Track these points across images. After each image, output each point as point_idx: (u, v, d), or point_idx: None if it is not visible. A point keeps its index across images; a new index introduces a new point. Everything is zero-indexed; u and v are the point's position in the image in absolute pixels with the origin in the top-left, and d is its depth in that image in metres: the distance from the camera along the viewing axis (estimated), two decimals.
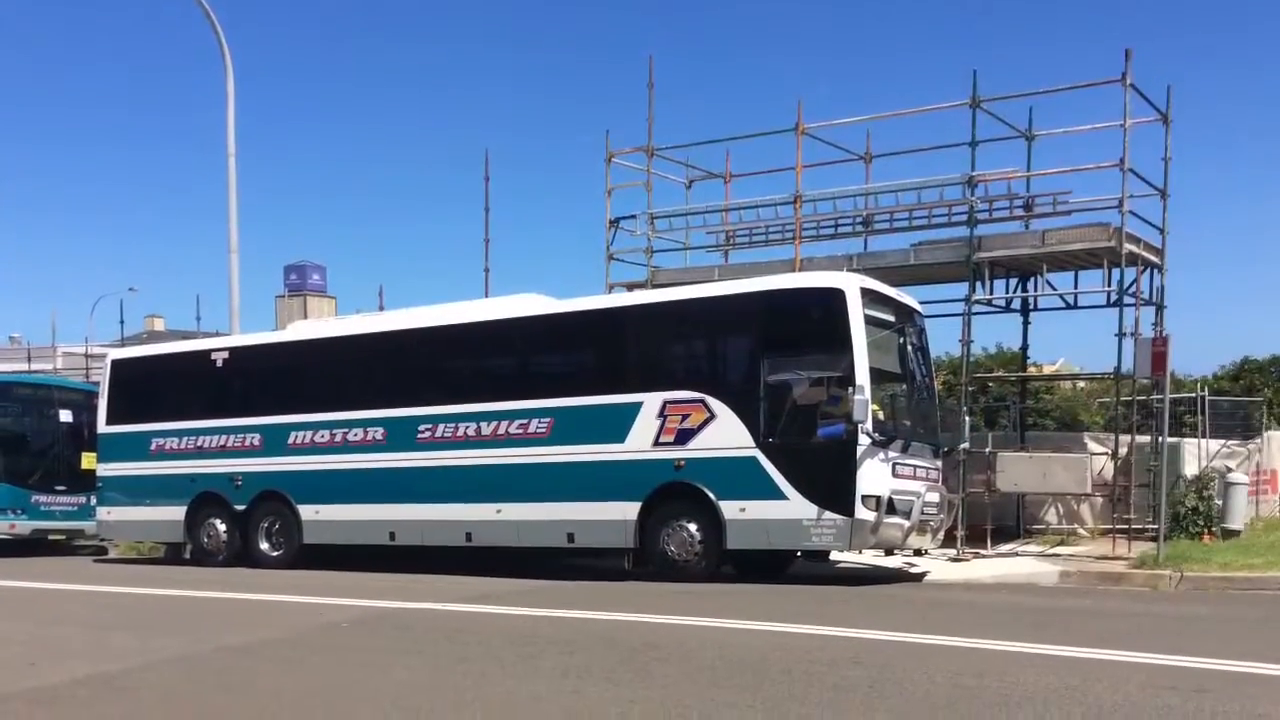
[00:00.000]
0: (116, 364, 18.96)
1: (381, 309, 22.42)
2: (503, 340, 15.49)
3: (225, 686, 7.41)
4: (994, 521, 16.74)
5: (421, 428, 15.43)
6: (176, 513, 17.34)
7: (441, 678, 7.41)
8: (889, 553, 14.64)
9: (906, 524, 13.10)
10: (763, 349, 13.38)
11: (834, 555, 14.84)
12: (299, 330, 18.36)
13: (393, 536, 15.65)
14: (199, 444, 17.33)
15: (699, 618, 9.62)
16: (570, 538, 14.30)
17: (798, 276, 15.94)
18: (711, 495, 13.22)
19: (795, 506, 12.79)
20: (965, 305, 17.37)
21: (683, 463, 13.47)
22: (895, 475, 13.00)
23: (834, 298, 12.99)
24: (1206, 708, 6.01)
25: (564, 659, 7.83)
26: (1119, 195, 16.28)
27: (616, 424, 13.90)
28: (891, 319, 13.69)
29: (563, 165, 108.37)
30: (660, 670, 7.32)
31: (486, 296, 18.56)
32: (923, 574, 14.46)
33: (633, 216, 20.07)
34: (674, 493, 13.55)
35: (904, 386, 14.06)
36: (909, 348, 14.07)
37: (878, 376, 13.01)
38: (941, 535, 14.47)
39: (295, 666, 8.08)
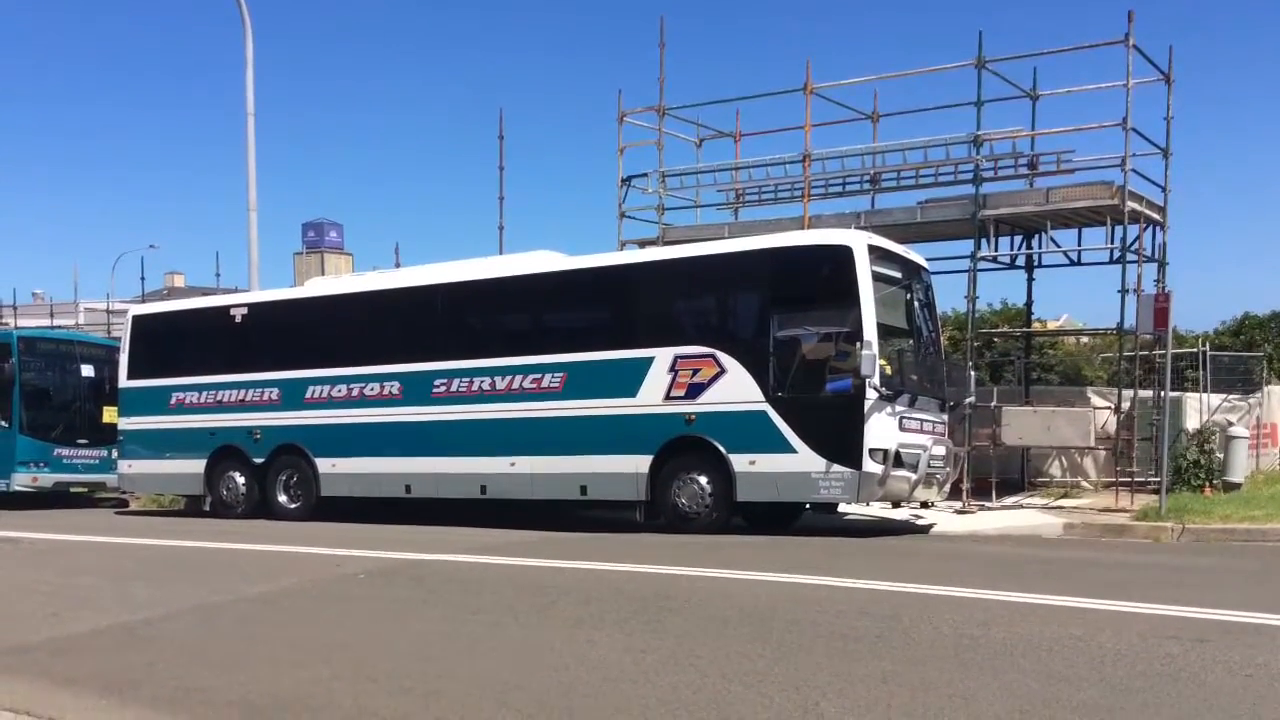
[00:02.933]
0: (138, 319, 19.18)
1: (398, 266, 22.51)
2: (517, 296, 15.64)
3: (245, 636, 7.62)
4: (998, 475, 16.96)
5: (437, 382, 15.62)
6: (196, 466, 17.61)
7: (456, 627, 7.60)
8: (895, 505, 14.83)
9: (913, 477, 13.27)
10: (772, 305, 13.50)
11: (842, 508, 15.06)
12: (317, 286, 18.49)
13: (408, 489, 15.90)
14: (218, 398, 17.55)
15: (710, 569, 9.79)
16: (583, 490, 14.53)
17: (807, 234, 16.06)
18: (721, 448, 13.42)
19: (804, 459, 12.98)
20: (970, 262, 17.52)
21: (693, 417, 13.65)
22: (902, 429, 13.16)
23: (842, 254, 13.09)
24: (1208, 656, 6.18)
25: (578, 609, 8.01)
26: (1122, 154, 16.41)
27: (629, 379, 14.08)
28: (898, 275, 13.80)
29: (576, 124, 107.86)
30: (672, 621, 7.49)
31: (501, 254, 18.63)
32: (929, 526, 14.68)
33: (644, 175, 20.20)
34: (684, 446, 13.75)
35: (911, 342, 14.17)
36: (915, 303, 14.19)
37: (885, 332, 13.17)
38: (947, 488, 14.64)
39: (313, 616, 8.29)
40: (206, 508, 17.89)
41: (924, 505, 15.06)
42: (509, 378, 14.99)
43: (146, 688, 6.10)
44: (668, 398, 13.83)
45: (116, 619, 8.05)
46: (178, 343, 18.54)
